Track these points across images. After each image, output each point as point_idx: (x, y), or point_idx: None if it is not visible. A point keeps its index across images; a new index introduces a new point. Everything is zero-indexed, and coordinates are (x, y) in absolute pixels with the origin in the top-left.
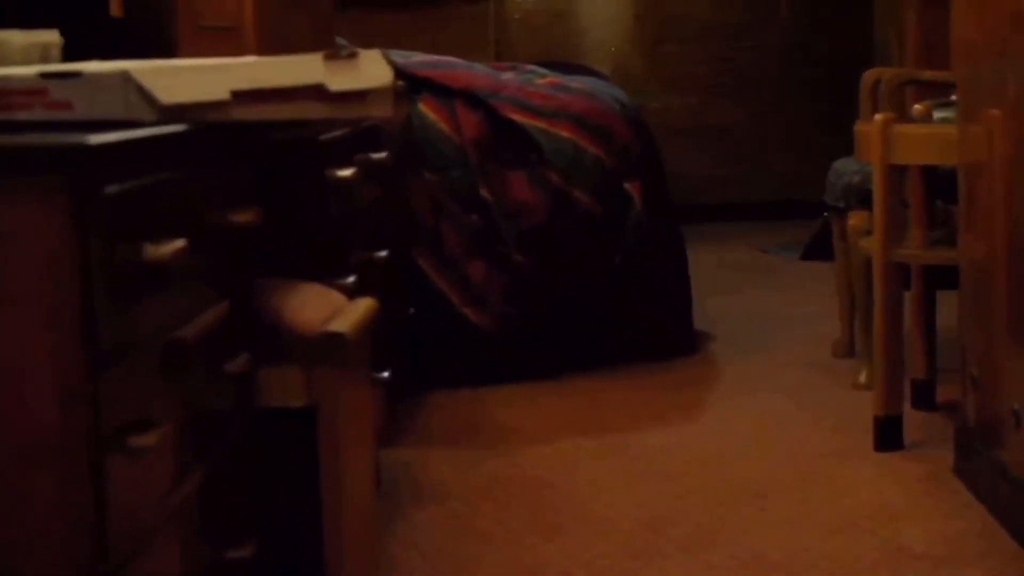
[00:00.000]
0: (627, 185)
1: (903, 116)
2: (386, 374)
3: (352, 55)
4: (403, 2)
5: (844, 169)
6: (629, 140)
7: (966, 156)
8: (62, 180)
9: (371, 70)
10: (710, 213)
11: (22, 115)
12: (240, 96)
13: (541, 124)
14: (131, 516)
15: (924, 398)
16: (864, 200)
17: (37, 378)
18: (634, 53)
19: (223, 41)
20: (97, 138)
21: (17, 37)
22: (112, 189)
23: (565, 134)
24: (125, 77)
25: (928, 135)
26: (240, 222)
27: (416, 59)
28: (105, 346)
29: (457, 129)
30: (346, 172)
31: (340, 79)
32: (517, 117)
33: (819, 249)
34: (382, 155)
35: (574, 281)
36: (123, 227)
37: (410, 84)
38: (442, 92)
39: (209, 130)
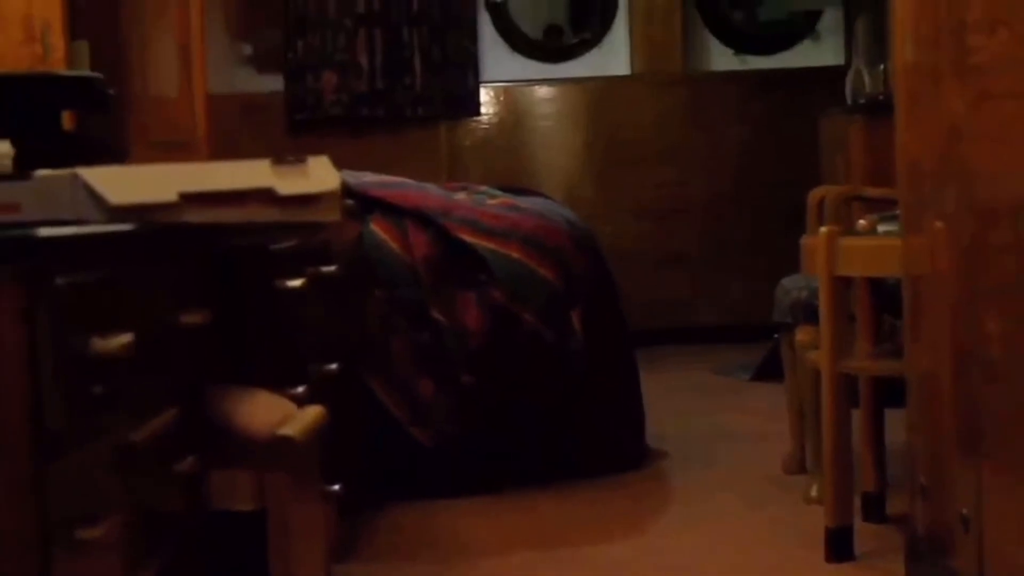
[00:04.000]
0: (571, 312)
1: (849, 231)
2: (337, 487)
3: (300, 161)
4: (356, 128)
5: (791, 286)
6: (579, 261)
7: (910, 268)
8: (12, 270)
9: (319, 175)
10: (663, 336)
11: None
12: (189, 198)
13: (491, 244)
14: None
15: (874, 510)
16: (811, 316)
17: None
18: (585, 179)
19: (175, 156)
20: (47, 231)
21: None
22: (61, 281)
23: (515, 255)
24: (73, 178)
25: (873, 247)
26: (189, 323)
27: (367, 179)
28: (53, 435)
29: (408, 248)
30: (296, 282)
31: (288, 183)
32: (468, 237)
33: (770, 369)
34: (332, 268)
35: (521, 401)
36: (71, 319)
37: (361, 204)
38: (393, 212)
39: (159, 232)
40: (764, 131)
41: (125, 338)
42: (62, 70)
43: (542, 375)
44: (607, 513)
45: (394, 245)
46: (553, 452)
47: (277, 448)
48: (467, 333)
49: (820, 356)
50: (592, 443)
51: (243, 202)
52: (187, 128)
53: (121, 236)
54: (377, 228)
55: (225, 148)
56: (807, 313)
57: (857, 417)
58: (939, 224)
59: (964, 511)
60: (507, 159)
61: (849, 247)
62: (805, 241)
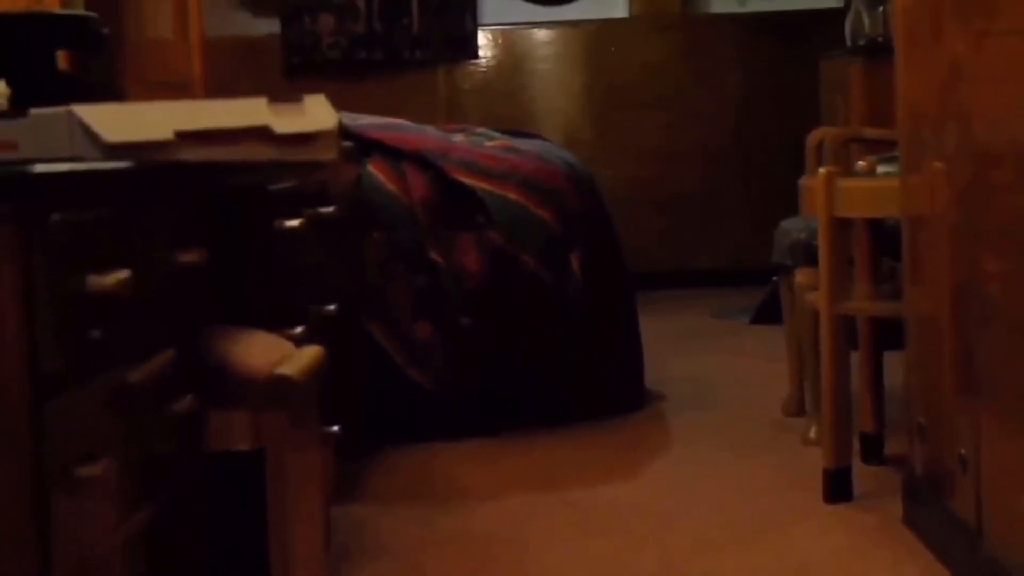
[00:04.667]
0: (570, 255)
1: (848, 173)
2: (336, 429)
3: (297, 99)
4: (353, 71)
5: (791, 227)
6: (577, 204)
7: (909, 208)
8: (7, 208)
9: (316, 113)
10: (662, 280)
11: None
12: (185, 136)
13: (489, 186)
14: (76, 551)
15: (873, 452)
16: (811, 257)
17: None
18: (584, 122)
19: (172, 97)
20: (42, 168)
21: None
22: (56, 218)
23: (512, 196)
24: (70, 116)
25: (871, 187)
26: (186, 262)
27: (365, 121)
28: (49, 375)
29: (406, 190)
30: (294, 223)
31: (285, 122)
32: (465, 179)
33: (770, 312)
34: (330, 210)
35: (520, 344)
36: (67, 257)
37: (359, 146)
38: (391, 154)
39: (155, 170)
40: (764, 74)
41: (122, 275)
42: (56, 9)
43: (540, 318)
44: (605, 456)
45: (392, 187)
46: (551, 395)
47: (275, 388)
48: (465, 275)
49: (819, 297)
50: (590, 386)
51: (239, 140)
52: (183, 70)
53: (117, 174)
54: (375, 170)
55: (221, 90)
56: (806, 255)
57: (856, 360)
58: (938, 164)
59: (962, 452)
60: (505, 102)
61: (848, 188)
62: (804, 182)
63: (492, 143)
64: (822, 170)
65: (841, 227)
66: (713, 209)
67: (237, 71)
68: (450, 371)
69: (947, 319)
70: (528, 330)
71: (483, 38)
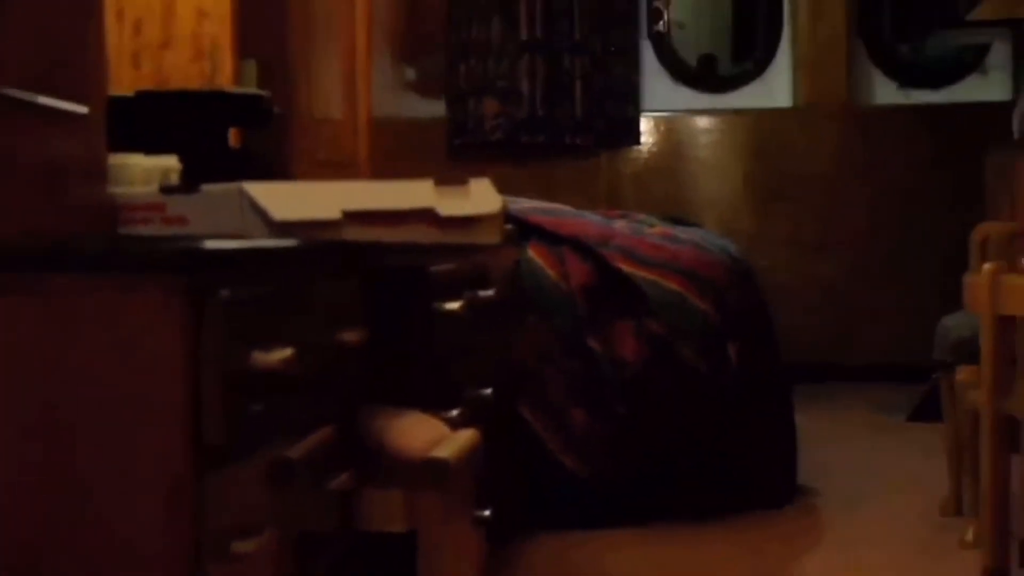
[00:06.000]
0: (727, 345)
1: (1013, 269)
2: (488, 512)
3: (463, 182)
4: (515, 154)
5: (953, 324)
6: (736, 294)
7: None
8: (181, 281)
9: (481, 197)
10: (819, 373)
11: (141, 229)
12: (351, 216)
13: (649, 275)
14: None
15: None
16: (973, 355)
17: (143, 474)
18: (743, 210)
19: (338, 176)
20: (213, 243)
21: (139, 161)
22: (225, 293)
23: (674, 286)
24: (240, 193)
25: None
26: (347, 341)
27: (526, 205)
28: (212, 446)
29: (565, 276)
30: (454, 305)
31: (450, 204)
32: (625, 267)
33: (928, 410)
34: (489, 293)
35: (674, 433)
36: (234, 332)
37: (520, 230)
38: (551, 239)
39: (320, 248)
40: (927, 166)
41: (286, 352)
42: (230, 87)
43: (696, 408)
44: (756, 552)
45: (551, 272)
46: (704, 486)
47: (430, 470)
48: (623, 363)
49: (980, 396)
50: (743, 478)
51: (405, 221)
52: (350, 149)
53: (284, 251)
54: (534, 254)
55: (386, 170)
56: (969, 352)
57: (1017, 463)
58: None
59: None
60: (666, 188)
61: (1013, 285)
62: (968, 279)
63: (652, 230)
64: (987, 266)
65: (1005, 325)
66: (871, 302)
67: (402, 150)
68: (604, 459)
69: None
70: (683, 420)
71: (645, 124)
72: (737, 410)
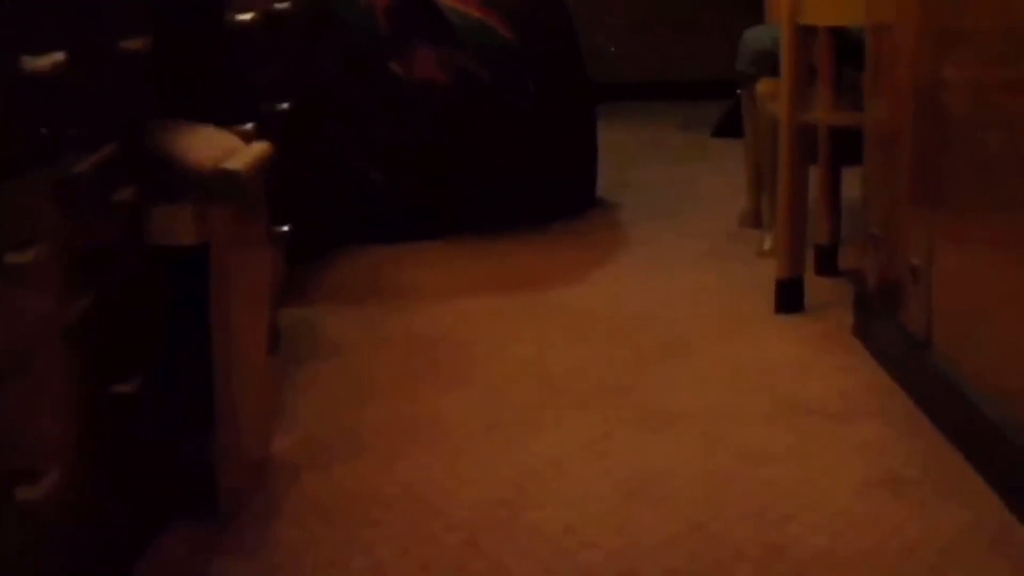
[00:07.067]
0: (527, 69)
1: None
2: (285, 228)
3: None
4: None
5: (755, 36)
6: (541, 19)
7: (874, 16)
8: None
9: None
10: (636, 91)
11: None
12: None
13: (453, 3)
14: (10, 337)
15: (827, 264)
16: (774, 67)
17: None
18: None
19: None
20: None
21: None
22: None
23: (477, 14)
24: None
25: None
26: (131, 49)
27: None
28: None
29: None
30: (245, 16)
31: None
32: None
33: (732, 125)
34: (285, 5)
35: (475, 150)
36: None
37: None
38: None
39: None
40: None
41: (57, 56)
42: None
43: (497, 128)
44: (559, 261)
45: None
46: (506, 201)
47: (220, 181)
48: (424, 85)
49: (779, 106)
50: (545, 192)
51: None
52: None
53: None
54: None
55: None
56: (770, 65)
57: (814, 173)
58: None
59: (914, 262)
60: None
61: None
62: None
63: None
64: None
65: (805, 35)
66: (685, 20)
67: None
68: (407, 169)
69: (906, 128)
70: (483, 139)
71: None
72: (537, 129)
